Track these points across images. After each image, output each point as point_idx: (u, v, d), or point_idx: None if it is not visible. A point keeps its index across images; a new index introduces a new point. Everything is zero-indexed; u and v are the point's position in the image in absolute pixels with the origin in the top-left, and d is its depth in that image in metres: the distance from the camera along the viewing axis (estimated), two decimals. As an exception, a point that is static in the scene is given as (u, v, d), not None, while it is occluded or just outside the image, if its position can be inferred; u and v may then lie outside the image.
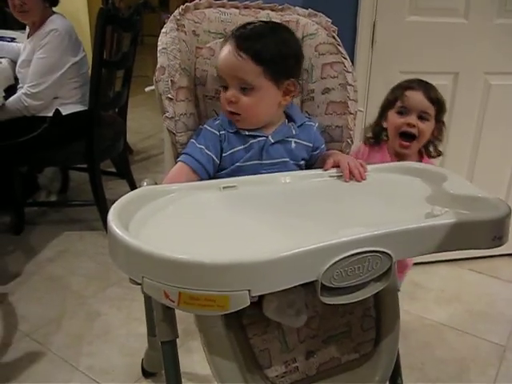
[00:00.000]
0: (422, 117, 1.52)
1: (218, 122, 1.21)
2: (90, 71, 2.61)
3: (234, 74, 1.15)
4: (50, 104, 2.51)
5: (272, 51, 1.14)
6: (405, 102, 1.54)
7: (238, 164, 1.18)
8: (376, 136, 1.64)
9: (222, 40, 1.24)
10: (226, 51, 1.15)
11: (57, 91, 2.52)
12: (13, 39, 2.86)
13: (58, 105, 2.51)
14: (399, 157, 1.57)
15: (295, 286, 0.87)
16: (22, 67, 2.50)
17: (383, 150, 1.61)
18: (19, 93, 2.46)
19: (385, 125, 1.60)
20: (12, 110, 2.46)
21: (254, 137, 1.20)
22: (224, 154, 1.18)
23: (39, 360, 1.86)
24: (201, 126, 1.21)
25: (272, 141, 1.20)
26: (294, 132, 1.24)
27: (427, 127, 1.53)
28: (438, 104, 1.55)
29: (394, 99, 1.57)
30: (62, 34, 2.43)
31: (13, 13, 2.56)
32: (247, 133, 1.19)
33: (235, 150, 1.18)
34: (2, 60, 2.59)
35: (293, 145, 1.23)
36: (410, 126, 1.51)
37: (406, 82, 1.59)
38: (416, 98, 1.53)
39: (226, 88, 1.17)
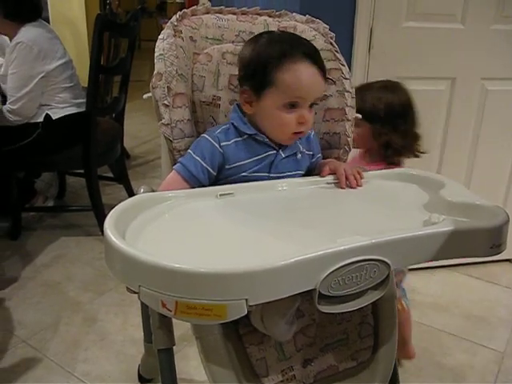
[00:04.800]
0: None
1: (219, 131, 1.17)
2: (77, 72, 2.62)
3: (318, 95, 1.17)
4: (40, 111, 2.51)
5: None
6: None
7: (244, 174, 1.16)
8: None
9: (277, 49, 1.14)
10: (312, 73, 1.12)
11: (38, 101, 2.50)
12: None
13: (48, 110, 2.51)
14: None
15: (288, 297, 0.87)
16: (2, 82, 2.49)
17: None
18: (3, 107, 2.45)
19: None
20: (5, 118, 2.46)
21: (266, 148, 1.18)
22: (228, 166, 1.15)
23: (35, 366, 1.85)
24: (201, 135, 1.18)
25: (283, 155, 1.19)
26: (300, 147, 1.23)
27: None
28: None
29: None
30: (28, 46, 2.41)
31: None
32: (266, 140, 1.17)
33: (243, 162, 1.16)
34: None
35: (299, 156, 1.23)
36: None
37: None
38: None
39: (292, 106, 1.13)
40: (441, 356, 1.97)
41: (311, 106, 1.15)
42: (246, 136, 1.17)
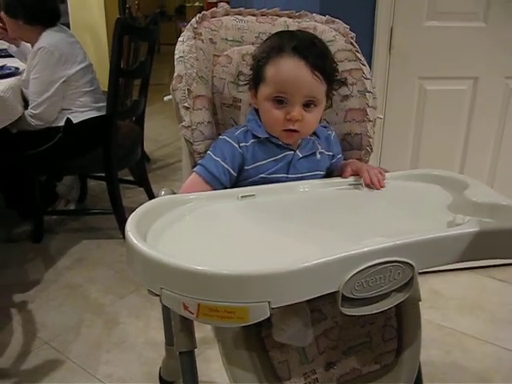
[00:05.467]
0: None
1: (238, 132, 1.18)
2: (97, 76, 2.64)
3: (306, 93, 1.11)
4: (61, 115, 2.53)
5: (333, 70, 1.17)
6: None
7: (262, 175, 1.16)
8: None
9: (265, 49, 1.16)
10: (296, 67, 1.10)
11: (59, 105, 2.52)
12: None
13: (69, 114, 2.53)
14: None
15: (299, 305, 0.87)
16: (24, 87, 2.51)
17: None
18: (25, 112, 2.47)
19: None
20: (28, 123, 2.48)
21: (283, 149, 1.17)
22: (247, 167, 1.16)
23: (58, 367, 1.86)
24: (220, 137, 1.19)
25: (300, 155, 1.18)
26: (319, 147, 1.22)
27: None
28: None
29: None
30: (49, 51, 2.42)
31: None
32: (281, 143, 1.17)
33: (261, 163, 1.16)
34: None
35: (318, 156, 1.22)
36: None
37: None
38: None
39: (280, 102, 1.12)
40: (465, 360, 1.94)
41: (309, 105, 1.13)
42: (262, 138, 1.17)
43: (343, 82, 1.25)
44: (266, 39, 1.23)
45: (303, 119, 1.12)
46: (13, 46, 2.76)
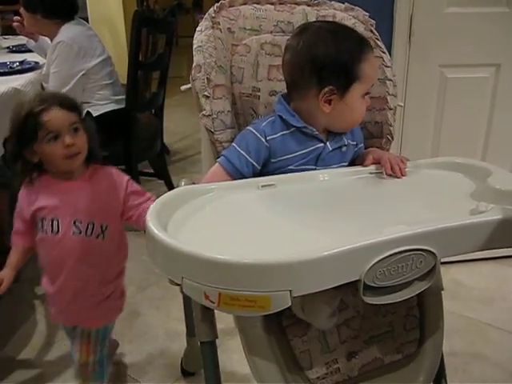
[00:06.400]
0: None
1: (264, 124, 1.15)
2: (117, 70, 2.65)
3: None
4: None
5: None
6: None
7: (290, 167, 1.15)
8: None
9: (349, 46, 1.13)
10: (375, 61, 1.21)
11: (79, 98, 2.52)
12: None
13: (89, 107, 2.54)
14: None
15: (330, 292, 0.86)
16: (44, 81, 2.53)
17: None
18: None
19: None
20: None
21: (314, 140, 1.16)
22: (275, 160, 1.14)
23: (81, 358, 1.88)
24: (246, 128, 1.17)
25: (330, 148, 1.17)
26: (345, 140, 1.21)
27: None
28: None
29: None
30: (68, 44, 2.43)
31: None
32: (315, 133, 1.15)
33: (291, 155, 1.14)
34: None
35: (344, 148, 1.21)
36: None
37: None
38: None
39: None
40: (488, 350, 1.92)
41: None
42: (293, 129, 1.15)
43: None
44: (327, 30, 1.14)
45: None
46: (31, 40, 2.77)
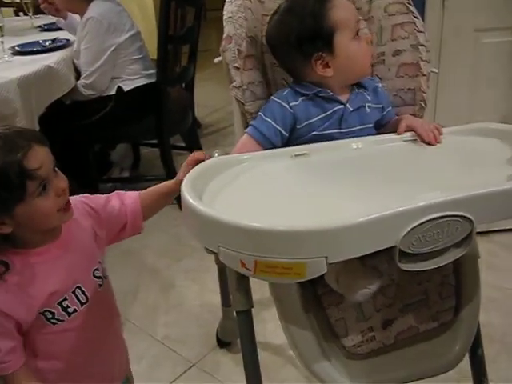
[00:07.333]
0: None
1: (286, 92, 1.17)
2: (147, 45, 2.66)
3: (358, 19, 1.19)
4: (112, 84, 2.56)
5: None
6: None
7: (315, 133, 1.15)
8: None
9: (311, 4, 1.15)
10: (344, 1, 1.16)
11: (110, 74, 2.55)
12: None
13: (120, 82, 2.56)
14: None
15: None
16: (76, 58, 2.55)
17: None
18: (78, 83, 2.51)
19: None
20: (80, 93, 2.53)
21: (333, 102, 1.16)
22: (299, 126, 1.14)
23: (119, 330, 1.93)
24: (270, 98, 1.18)
25: (351, 109, 1.17)
26: (368, 98, 1.20)
27: None
28: None
29: None
30: (98, 20, 2.44)
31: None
32: (331, 94, 1.16)
33: (313, 120, 1.15)
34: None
35: (367, 110, 1.20)
36: None
37: None
38: None
39: (356, 36, 1.15)
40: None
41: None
42: (311, 94, 1.16)
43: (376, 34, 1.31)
44: (282, 20, 1.18)
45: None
46: (61, 19, 2.79)
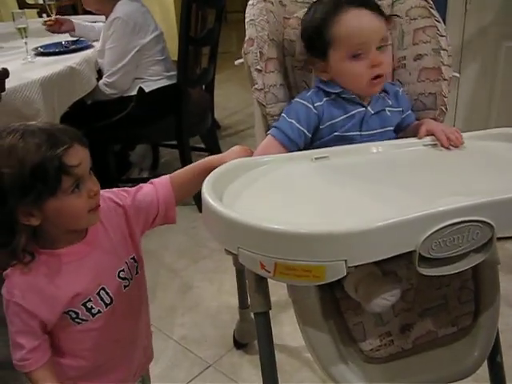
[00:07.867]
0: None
1: (310, 93, 1.18)
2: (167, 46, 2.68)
3: (380, 36, 1.13)
4: (133, 84, 2.58)
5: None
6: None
7: (336, 133, 1.15)
8: None
9: (323, 11, 1.16)
10: (364, 16, 1.12)
11: (133, 74, 2.57)
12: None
13: (141, 83, 2.58)
14: None
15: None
16: (99, 57, 2.57)
17: None
18: (100, 82, 2.54)
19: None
20: (102, 92, 2.56)
21: (355, 105, 1.17)
22: (322, 126, 1.15)
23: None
24: (293, 100, 1.19)
25: (372, 112, 1.17)
26: (389, 102, 1.21)
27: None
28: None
29: None
30: (124, 21, 2.47)
31: None
32: (353, 96, 1.16)
33: (335, 120, 1.15)
34: (95, 43, 2.68)
35: (388, 113, 1.20)
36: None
37: None
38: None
39: (357, 56, 1.12)
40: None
41: (381, 47, 1.13)
42: (334, 95, 1.17)
43: (397, 38, 1.30)
44: (309, 10, 1.21)
45: (384, 61, 1.14)
46: (72, 31, 2.81)
